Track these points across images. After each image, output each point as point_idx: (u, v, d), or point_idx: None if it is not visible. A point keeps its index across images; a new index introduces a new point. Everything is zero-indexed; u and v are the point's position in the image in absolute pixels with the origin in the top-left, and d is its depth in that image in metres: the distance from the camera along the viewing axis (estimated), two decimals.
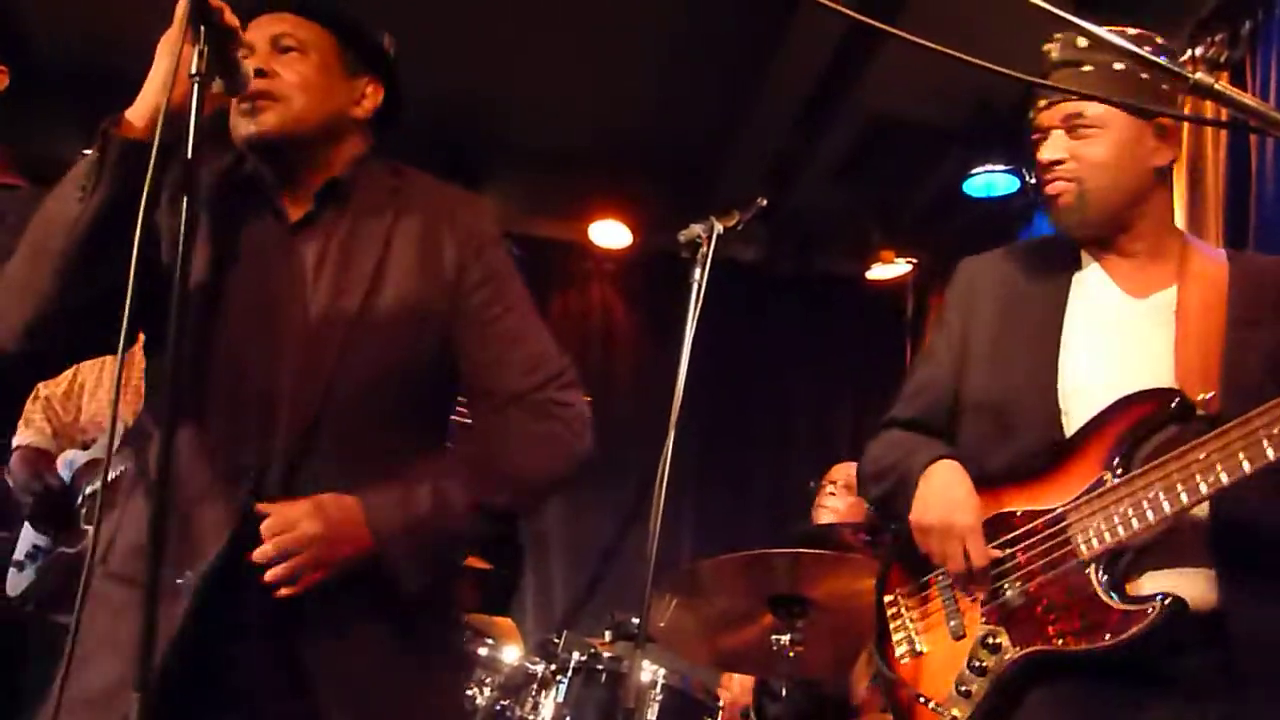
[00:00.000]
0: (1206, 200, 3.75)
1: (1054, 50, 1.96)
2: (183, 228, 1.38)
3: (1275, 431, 1.64)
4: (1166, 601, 1.73)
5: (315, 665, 1.62)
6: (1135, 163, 1.93)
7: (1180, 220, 3.72)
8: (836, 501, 3.99)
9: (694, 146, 5.56)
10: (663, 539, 2.19)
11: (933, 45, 1.18)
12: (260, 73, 1.71)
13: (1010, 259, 2.12)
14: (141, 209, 1.37)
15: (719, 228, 2.41)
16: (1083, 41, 1.92)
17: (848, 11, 1.24)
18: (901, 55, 4.32)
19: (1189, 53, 3.78)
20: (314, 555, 1.58)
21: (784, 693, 3.34)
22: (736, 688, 3.84)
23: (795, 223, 6.00)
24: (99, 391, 3.32)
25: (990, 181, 5.07)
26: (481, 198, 1.99)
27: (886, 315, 6.36)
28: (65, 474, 3.07)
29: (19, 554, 2.99)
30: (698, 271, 2.36)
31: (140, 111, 1.57)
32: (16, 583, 2.97)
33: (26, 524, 3.03)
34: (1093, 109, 1.91)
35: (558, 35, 4.73)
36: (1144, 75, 1.90)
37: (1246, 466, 1.66)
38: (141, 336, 1.76)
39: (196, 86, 1.43)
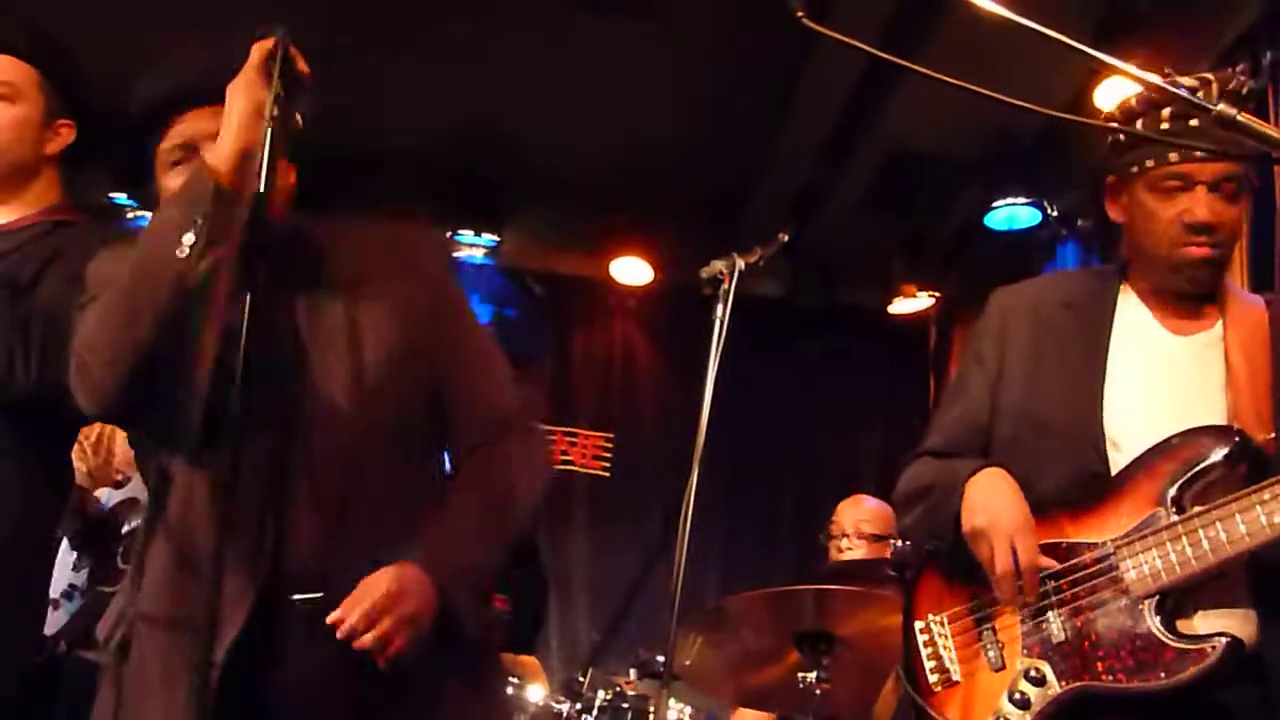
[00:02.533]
0: None
1: (1213, 93, 1.80)
2: (250, 281, 1.41)
3: None
4: (1226, 641, 1.71)
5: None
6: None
7: None
8: (854, 553, 3.89)
9: (716, 182, 5.58)
10: (688, 576, 2.18)
11: (953, 80, 1.19)
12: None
13: (1046, 290, 2.10)
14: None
15: (741, 264, 2.41)
16: (1245, 91, 1.85)
17: (868, 48, 1.25)
18: (923, 89, 4.33)
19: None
20: (401, 615, 1.55)
21: None
22: None
23: (818, 257, 6.01)
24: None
25: (1012, 214, 5.06)
26: (421, 225, 1.96)
27: (910, 348, 6.34)
28: (103, 510, 3.10)
29: (54, 592, 3.00)
30: (720, 307, 2.36)
31: (222, 154, 1.54)
32: (53, 622, 2.98)
33: (60, 564, 3.05)
34: (1242, 171, 1.87)
35: (580, 71, 4.77)
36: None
37: None
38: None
39: (269, 131, 1.46)
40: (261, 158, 1.45)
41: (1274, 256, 3.53)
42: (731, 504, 5.78)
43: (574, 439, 6.05)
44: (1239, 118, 1.19)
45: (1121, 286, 2.01)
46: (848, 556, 3.92)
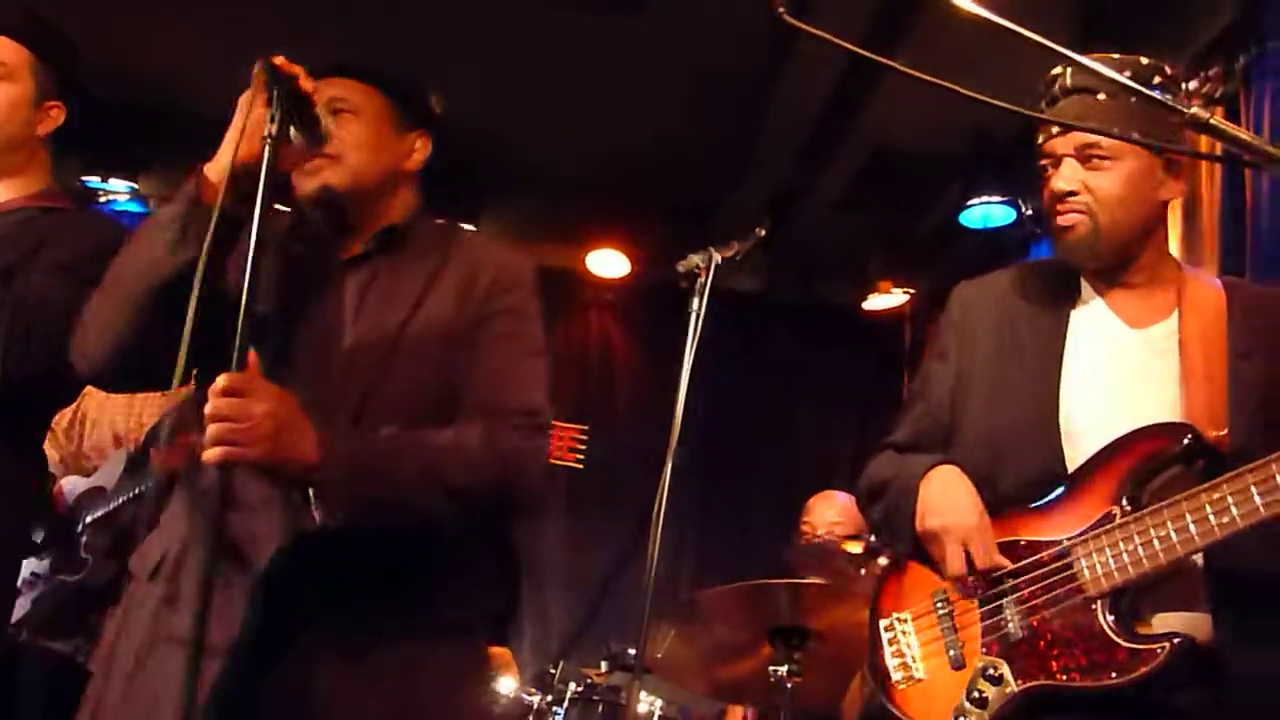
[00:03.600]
0: (1202, 235, 3.76)
1: (1067, 75, 1.94)
2: (245, 280, 1.52)
3: None
4: (1177, 641, 1.71)
5: (330, 696, 1.65)
6: (1145, 196, 1.92)
7: (1176, 255, 3.73)
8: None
9: (693, 176, 5.59)
10: (662, 569, 2.18)
11: (932, 79, 1.19)
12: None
13: (1007, 284, 2.10)
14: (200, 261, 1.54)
15: (717, 258, 2.42)
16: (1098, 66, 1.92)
17: (848, 45, 1.26)
18: (903, 87, 4.35)
19: (1184, 87, 3.80)
20: (253, 432, 1.54)
21: None
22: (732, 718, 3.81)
23: (795, 253, 6.02)
24: (102, 419, 3.34)
25: (987, 213, 5.08)
26: (528, 256, 2.05)
27: (885, 345, 6.37)
28: (67, 500, 3.08)
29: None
30: (696, 301, 2.37)
31: (218, 166, 1.68)
32: (14, 609, 2.96)
33: None
34: (1108, 139, 1.89)
35: (558, 65, 4.76)
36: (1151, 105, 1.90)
37: (1263, 510, 1.65)
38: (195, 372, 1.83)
39: (269, 148, 1.58)
40: (260, 172, 1.59)
41: (1244, 257, 3.56)
42: (706, 498, 5.80)
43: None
44: (1212, 121, 1.21)
45: (1081, 279, 2.02)
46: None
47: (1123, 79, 1.39)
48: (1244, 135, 1.22)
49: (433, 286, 1.86)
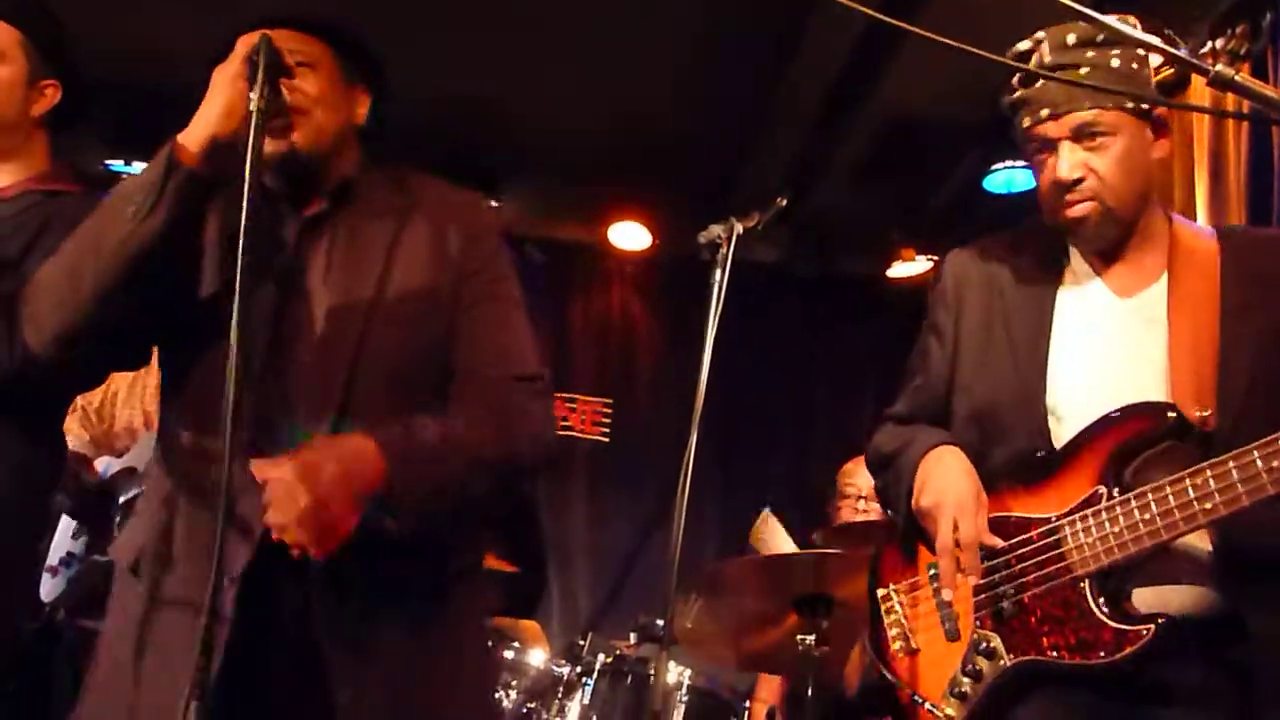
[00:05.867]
0: (1229, 194, 3.72)
1: (1044, 52, 1.87)
2: (239, 258, 1.48)
3: (1275, 465, 1.63)
4: (1162, 622, 1.72)
5: (336, 668, 1.63)
6: (1143, 163, 1.88)
7: (1202, 215, 3.69)
8: (870, 515, 3.85)
9: (713, 148, 5.56)
10: (686, 541, 2.19)
11: (952, 42, 1.18)
12: None
13: (997, 252, 2.08)
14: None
15: (739, 229, 2.41)
16: (1071, 39, 1.85)
17: (866, 10, 1.25)
18: (921, 52, 4.31)
19: (1210, 45, 3.75)
20: (315, 523, 1.51)
21: (809, 693, 3.33)
22: (765, 690, 3.83)
23: (815, 223, 5.99)
24: (131, 399, 3.36)
25: (1010, 177, 5.05)
26: (485, 198, 2.04)
27: (908, 313, 6.31)
28: (101, 480, 3.11)
29: (52, 559, 3.02)
30: (718, 273, 2.36)
31: (196, 139, 1.64)
32: (50, 589, 3.00)
33: (59, 531, 3.07)
34: (1105, 115, 1.84)
35: (576, 38, 4.73)
36: (1134, 67, 1.85)
37: (1245, 499, 1.65)
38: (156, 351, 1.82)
39: (255, 122, 1.55)
40: (244, 148, 1.54)
41: (1271, 215, 3.53)
42: (729, 469, 5.80)
43: (573, 404, 6.06)
44: (1237, 79, 1.19)
45: (1070, 246, 1.99)
46: (861, 519, 3.93)
47: (1134, 33, 1.36)
48: (1270, 92, 1.20)
49: (399, 243, 1.83)
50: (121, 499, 3.07)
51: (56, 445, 2.14)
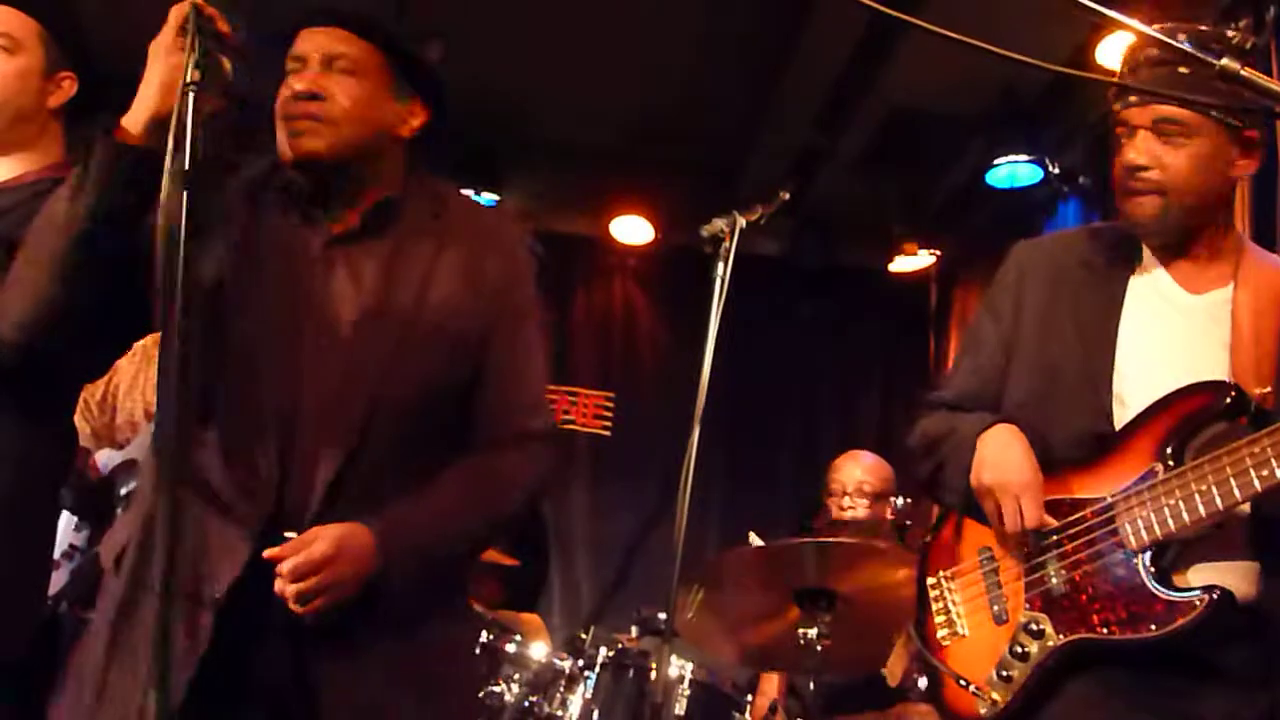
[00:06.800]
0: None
1: (1154, 48, 1.89)
2: (181, 235, 1.42)
3: None
4: (1215, 594, 1.72)
5: (321, 680, 1.64)
6: (1217, 175, 1.89)
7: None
8: (855, 512, 3.83)
9: (716, 141, 5.56)
10: (688, 534, 2.19)
11: (956, 36, 1.18)
12: (313, 95, 1.72)
13: (1066, 246, 2.10)
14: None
15: (741, 222, 2.40)
16: (1181, 38, 1.86)
17: (870, 3, 1.24)
18: (924, 46, 4.30)
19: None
20: (327, 578, 1.59)
21: (811, 687, 3.33)
22: (766, 684, 3.82)
23: (818, 216, 5.99)
24: (134, 392, 3.36)
25: (1013, 172, 5.03)
26: (519, 222, 2.03)
27: (910, 307, 6.34)
28: (102, 473, 3.10)
29: (55, 553, 3.02)
30: (721, 266, 2.36)
31: (136, 118, 1.61)
32: (53, 581, 3.00)
33: (62, 524, 3.07)
34: (1189, 115, 1.85)
35: (578, 31, 4.73)
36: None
37: None
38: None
39: (192, 96, 1.48)
40: (183, 119, 1.47)
41: (1275, 210, 3.52)
42: (731, 463, 5.80)
43: (575, 398, 6.07)
44: (1242, 73, 1.19)
45: (1142, 246, 2.01)
46: (849, 516, 3.91)
47: (1206, 56, 1.35)
48: (1275, 87, 1.20)
49: (435, 269, 1.79)
50: (123, 491, 3.07)
51: (65, 437, 2.14)
